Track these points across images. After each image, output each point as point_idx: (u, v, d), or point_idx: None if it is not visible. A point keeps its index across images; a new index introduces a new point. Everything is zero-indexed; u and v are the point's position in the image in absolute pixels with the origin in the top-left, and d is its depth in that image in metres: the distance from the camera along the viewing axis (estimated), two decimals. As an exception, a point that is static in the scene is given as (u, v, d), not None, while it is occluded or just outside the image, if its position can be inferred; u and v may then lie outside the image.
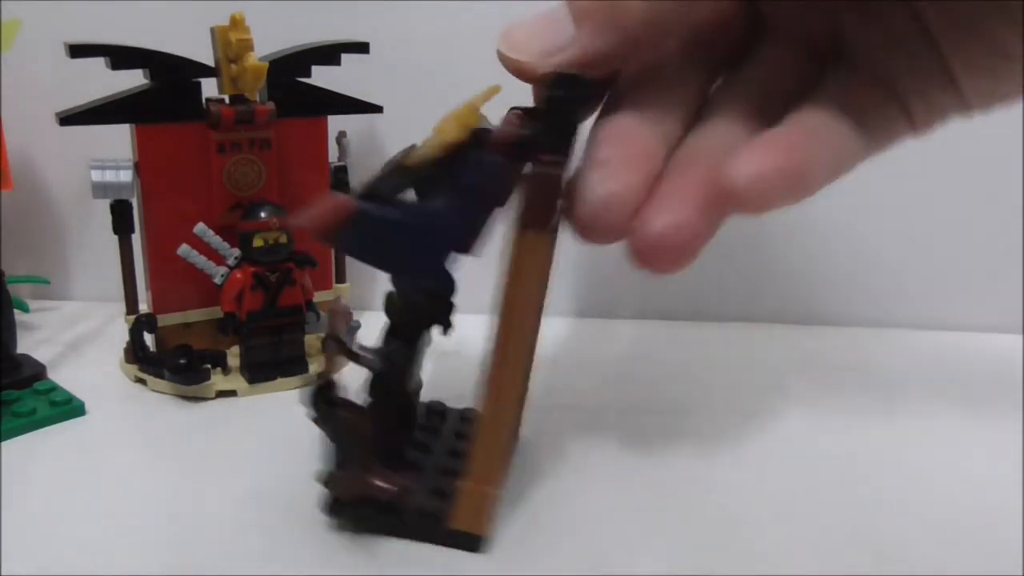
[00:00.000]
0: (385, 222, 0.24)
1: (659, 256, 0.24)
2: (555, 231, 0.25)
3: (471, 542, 0.27)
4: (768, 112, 0.25)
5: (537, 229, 0.25)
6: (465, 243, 0.25)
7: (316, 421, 0.27)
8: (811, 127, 0.24)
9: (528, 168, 0.24)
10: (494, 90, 0.25)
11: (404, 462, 0.29)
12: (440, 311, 0.28)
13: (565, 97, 0.24)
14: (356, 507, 0.28)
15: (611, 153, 0.24)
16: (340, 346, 0.27)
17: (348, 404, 0.27)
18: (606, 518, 0.30)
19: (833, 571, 0.27)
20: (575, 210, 0.24)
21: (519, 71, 0.24)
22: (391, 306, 0.28)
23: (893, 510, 0.30)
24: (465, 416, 0.33)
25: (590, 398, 0.38)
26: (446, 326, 0.28)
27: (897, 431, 0.36)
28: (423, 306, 0.28)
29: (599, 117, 0.26)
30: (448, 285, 0.27)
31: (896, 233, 0.47)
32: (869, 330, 0.47)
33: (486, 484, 0.27)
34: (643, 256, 0.24)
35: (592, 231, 0.24)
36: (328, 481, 0.28)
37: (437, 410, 0.33)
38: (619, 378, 0.41)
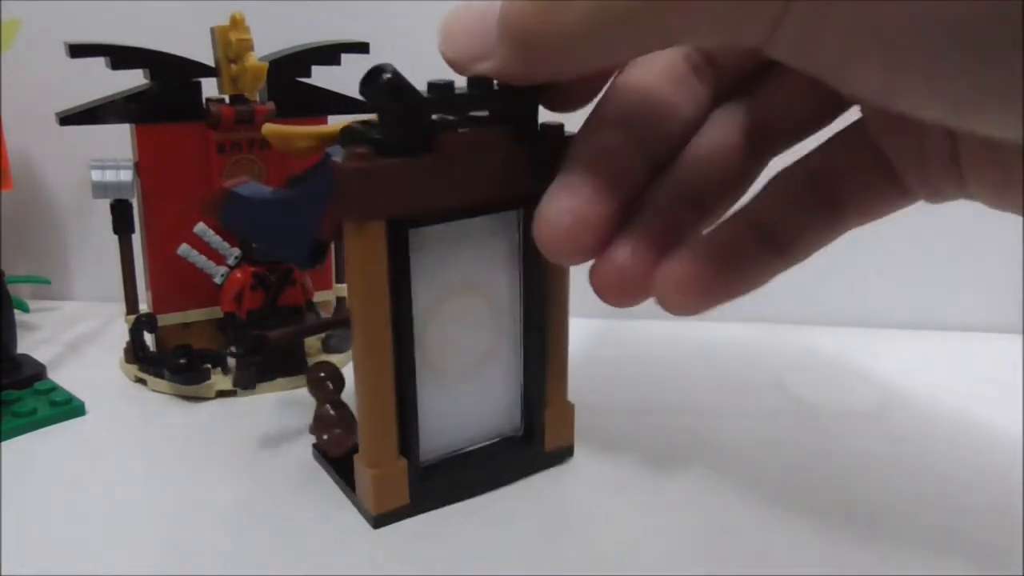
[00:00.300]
0: (246, 201, 0.28)
1: (608, 297, 0.25)
2: (394, 224, 0.25)
3: (368, 517, 0.28)
4: (759, 148, 0.25)
5: (353, 219, 0.25)
6: (308, 228, 0.27)
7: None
8: (761, 234, 0.24)
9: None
10: None
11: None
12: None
13: (367, 92, 0.24)
14: (322, 455, 0.31)
15: (583, 176, 0.24)
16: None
17: (326, 364, 0.31)
18: (605, 517, 0.30)
19: (833, 571, 0.27)
20: (534, 227, 0.24)
21: (452, 66, 0.24)
22: None
23: (893, 511, 0.30)
24: None
25: (588, 397, 0.38)
26: None
27: (897, 431, 0.36)
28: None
29: (586, 124, 0.25)
30: (300, 263, 0.28)
31: (896, 233, 0.47)
32: (869, 330, 0.47)
33: (368, 466, 0.28)
34: (595, 289, 0.25)
35: (547, 253, 0.24)
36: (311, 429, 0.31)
37: None
38: (618, 377, 0.41)
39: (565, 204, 0.23)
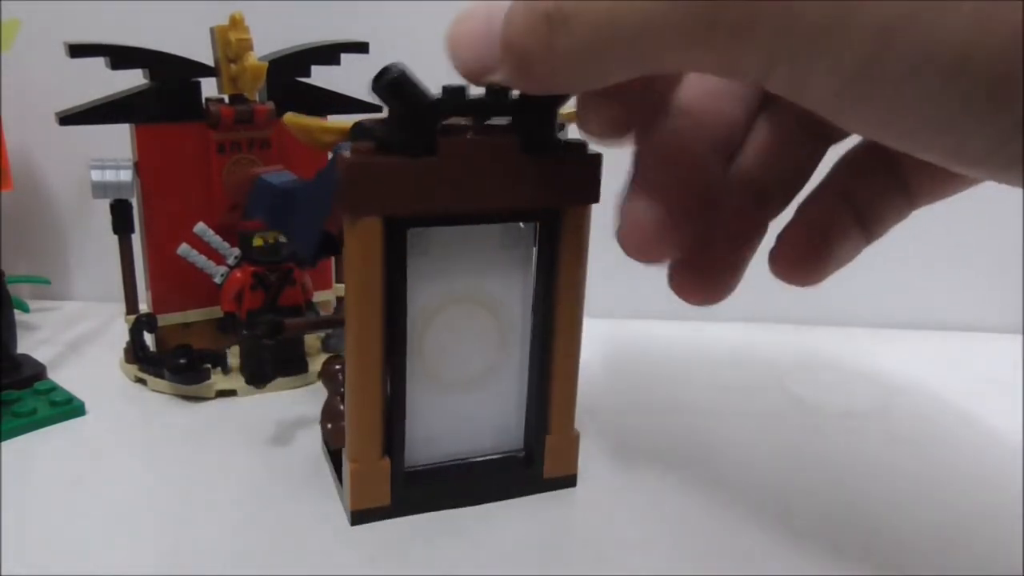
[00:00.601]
0: (268, 188, 0.30)
1: (692, 301, 0.26)
2: (392, 223, 0.25)
3: (347, 513, 0.29)
4: (820, 136, 0.25)
5: (349, 213, 0.25)
6: (316, 220, 0.27)
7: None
8: (849, 209, 0.25)
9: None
10: None
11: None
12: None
13: (374, 89, 0.24)
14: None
15: (658, 176, 0.24)
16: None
17: (341, 358, 0.31)
18: (605, 517, 0.30)
19: (833, 571, 0.27)
20: (617, 230, 0.24)
21: (463, 77, 0.24)
22: None
23: (893, 511, 0.30)
24: None
25: (588, 397, 0.38)
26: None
27: (897, 431, 0.36)
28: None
29: (650, 120, 0.25)
30: (308, 255, 0.29)
31: (896, 233, 0.47)
32: (869, 330, 0.47)
33: (350, 461, 0.28)
34: (678, 295, 0.25)
35: (629, 255, 0.24)
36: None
37: None
38: (619, 377, 0.41)
39: (641, 206, 0.24)
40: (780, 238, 0.25)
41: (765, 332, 0.47)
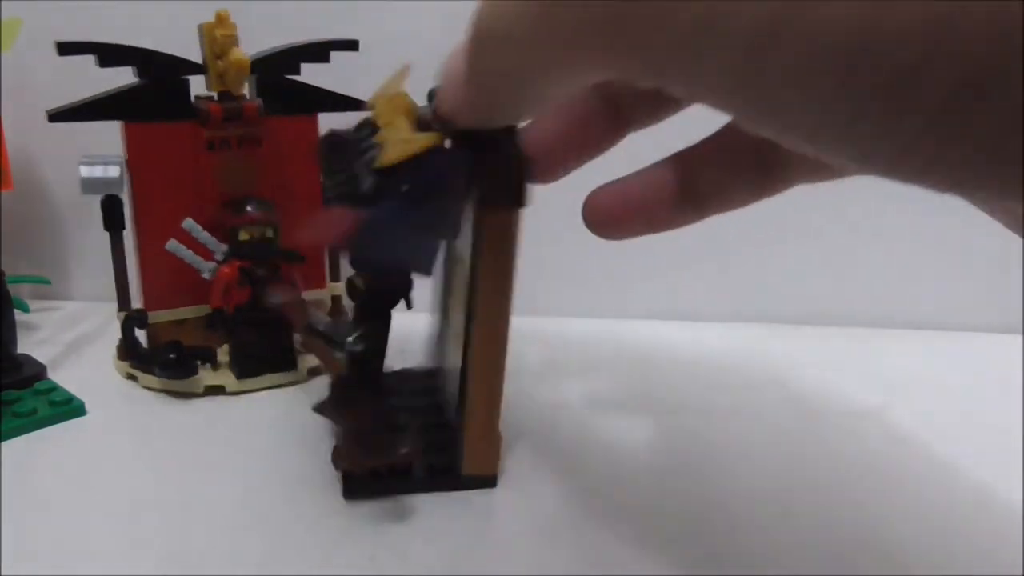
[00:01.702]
0: (385, 225, 0.24)
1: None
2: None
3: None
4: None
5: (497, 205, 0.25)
6: (450, 230, 0.26)
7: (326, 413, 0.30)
8: (685, 188, 0.24)
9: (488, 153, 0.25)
10: (406, 69, 0.26)
11: (391, 427, 0.30)
12: (404, 290, 0.28)
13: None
14: (369, 479, 0.29)
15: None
16: (318, 336, 0.29)
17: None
18: (605, 517, 0.29)
19: (833, 571, 0.27)
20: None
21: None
22: (354, 290, 0.28)
23: (893, 510, 0.30)
24: (430, 373, 0.35)
25: (590, 397, 0.38)
26: (409, 302, 0.29)
27: (897, 431, 0.36)
28: (390, 287, 0.28)
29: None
30: (430, 267, 0.27)
31: (896, 233, 0.47)
32: (869, 330, 0.47)
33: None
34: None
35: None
36: (337, 460, 0.30)
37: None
38: (619, 377, 0.41)
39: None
40: (595, 192, 0.25)
41: (765, 332, 0.46)
